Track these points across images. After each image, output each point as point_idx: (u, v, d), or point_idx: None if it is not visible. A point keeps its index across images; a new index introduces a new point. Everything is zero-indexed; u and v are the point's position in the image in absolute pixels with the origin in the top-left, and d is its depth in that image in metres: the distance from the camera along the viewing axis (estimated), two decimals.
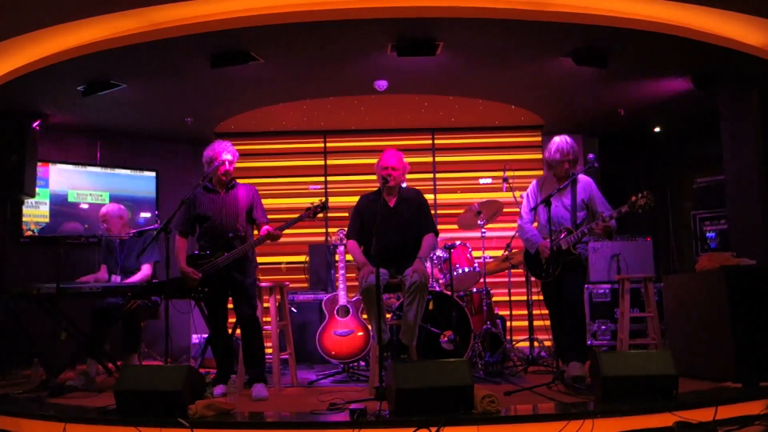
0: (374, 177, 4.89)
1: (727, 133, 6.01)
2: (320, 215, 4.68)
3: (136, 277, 5.36)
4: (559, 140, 4.73)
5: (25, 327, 5.38)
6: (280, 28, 4.79)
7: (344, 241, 5.29)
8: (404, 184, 4.94)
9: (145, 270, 5.42)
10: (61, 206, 6.80)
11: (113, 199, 6.91)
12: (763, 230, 5.63)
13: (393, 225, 4.67)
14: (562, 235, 4.59)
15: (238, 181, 4.83)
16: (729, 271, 4.46)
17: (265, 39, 5.01)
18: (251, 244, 4.59)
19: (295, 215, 4.67)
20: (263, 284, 5.11)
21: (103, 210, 5.61)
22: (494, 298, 6.08)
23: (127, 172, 7.26)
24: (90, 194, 6.95)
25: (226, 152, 4.65)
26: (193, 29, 4.75)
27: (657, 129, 7.69)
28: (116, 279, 5.42)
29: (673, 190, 8.07)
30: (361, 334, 5.54)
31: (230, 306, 4.75)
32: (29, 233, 6.60)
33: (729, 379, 4.20)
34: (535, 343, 5.89)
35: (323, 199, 4.64)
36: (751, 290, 4.40)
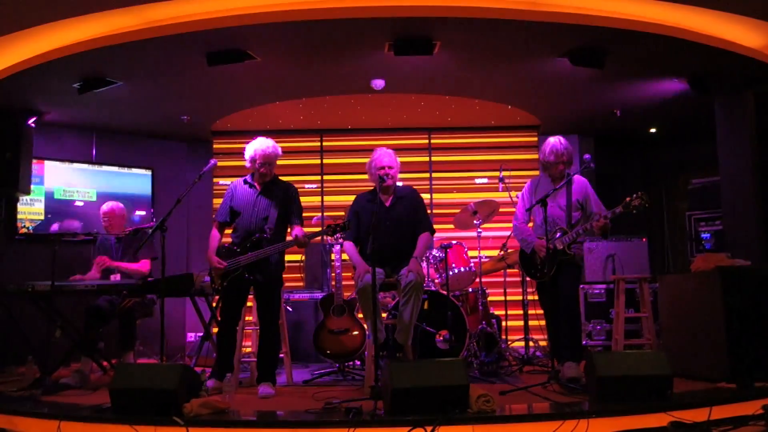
0: None
1: (722, 135, 6.03)
2: (339, 232, 4.63)
3: (134, 265, 5.35)
4: (553, 141, 4.74)
5: (19, 324, 5.36)
6: (277, 26, 4.78)
7: (340, 241, 5.29)
8: (400, 183, 4.94)
9: (145, 264, 5.41)
10: (55, 203, 6.78)
11: (100, 196, 6.90)
12: (757, 231, 5.66)
13: (389, 224, 4.67)
14: (557, 235, 4.61)
15: (282, 180, 4.80)
16: (724, 271, 4.48)
17: (262, 37, 5.00)
18: (276, 247, 4.50)
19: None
20: None
21: (107, 208, 5.59)
22: (490, 298, 6.10)
23: (123, 169, 7.24)
24: (77, 191, 6.91)
25: (261, 153, 4.61)
26: (189, 27, 4.74)
27: (653, 130, 7.71)
28: (115, 278, 5.40)
29: (668, 191, 8.11)
30: (356, 333, 5.54)
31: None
32: (24, 230, 6.58)
33: (723, 380, 4.22)
34: (531, 343, 5.90)
35: (346, 220, 4.58)
36: (746, 291, 4.42)
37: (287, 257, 7.29)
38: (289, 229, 4.72)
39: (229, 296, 4.62)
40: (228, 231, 4.81)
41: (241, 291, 4.63)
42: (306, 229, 4.66)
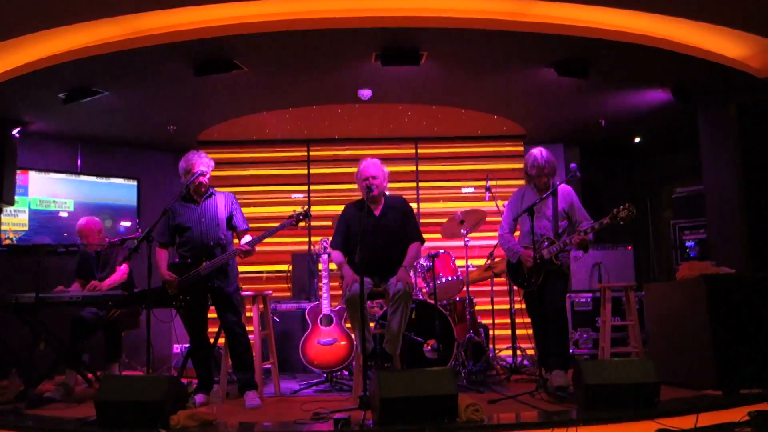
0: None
1: (706, 144, 6.10)
2: (302, 224, 4.67)
3: (114, 278, 5.31)
4: (535, 154, 4.75)
5: (2, 337, 5.29)
6: (264, 36, 4.79)
7: (328, 250, 5.28)
8: (387, 192, 4.94)
9: (122, 270, 5.37)
10: (35, 214, 6.69)
11: (79, 206, 6.85)
12: (741, 239, 5.71)
13: (379, 234, 4.67)
14: (545, 245, 4.63)
15: (218, 189, 4.81)
16: (709, 279, 4.51)
17: (249, 47, 5.00)
18: (228, 255, 4.55)
19: (278, 224, 4.64)
20: (245, 293, 5.09)
21: (81, 223, 5.53)
22: (477, 307, 6.10)
23: (108, 180, 7.19)
24: (53, 201, 6.84)
25: (200, 164, 4.62)
26: (176, 37, 4.74)
27: (637, 139, 7.78)
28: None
29: (652, 200, 8.17)
30: (344, 343, 5.52)
31: (211, 315, 4.72)
32: (8, 242, 6.50)
33: (709, 387, 4.25)
34: (518, 352, 5.91)
35: (306, 207, 4.63)
36: (731, 299, 4.45)
37: (274, 267, 7.37)
38: (236, 239, 4.73)
39: (193, 309, 4.64)
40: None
41: (203, 301, 4.66)
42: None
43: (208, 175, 4.67)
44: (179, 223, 4.64)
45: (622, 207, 4.35)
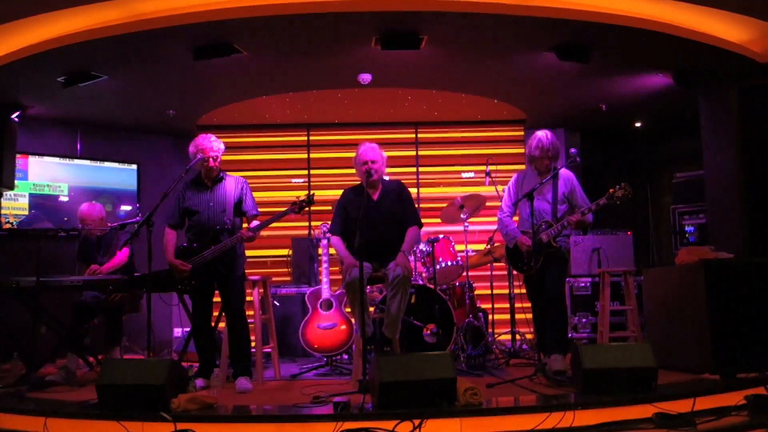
0: None
1: (706, 129, 6.09)
2: (306, 209, 4.67)
3: (113, 261, 5.33)
4: (539, 136, 4.75)
5: (3, 320, 5.32)
6: (264, 20, 4.77)
7: (327, 235, 5.28)
8: (386, 177, 4.94)
9: (122, 254, 5.38)
10: (34, 199, 6.69)
11: (76, 190, 6.85)
12: (740, 224, 5.72)
13: (377, 219, 4.66)
14: (543, 228, 4.63)
15: (228, 173, 4.80)
16: (708, 264, 4.52)
17: (249, 31, 4.98)
18: (232, 240, 4.53)
19: (279, 209, 4.64)
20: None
21: (83, 209, 5.54)
22: (477, 292, 6.11)
23: (108, 164, 7.18)
24: (47, 185, 6.82)
25: (210, 147, 4.60)
26: (176, 20, 4.72)
27: (638, 124, 7.77)
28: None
29: (652, 185, 8.17)
30: (344, 327, 5.55)
31: (215, 299, 4.74)
32: (8, 225, 6.51)
33: (707, 371, 4.26)
34: (517, 336, 5.94)
35: (309, 193, 4.62)
36: (729, 283, 4.46)
37: (274, 251, 7.39)
38: (245, 224, 4.72)
39: (199, 294, 4.64)
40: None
41: (209, 286, 4.65)
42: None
43: (218, 160, 4.64)
44: (188, 207, 4.63)
45: (618, 187, 4.35)
